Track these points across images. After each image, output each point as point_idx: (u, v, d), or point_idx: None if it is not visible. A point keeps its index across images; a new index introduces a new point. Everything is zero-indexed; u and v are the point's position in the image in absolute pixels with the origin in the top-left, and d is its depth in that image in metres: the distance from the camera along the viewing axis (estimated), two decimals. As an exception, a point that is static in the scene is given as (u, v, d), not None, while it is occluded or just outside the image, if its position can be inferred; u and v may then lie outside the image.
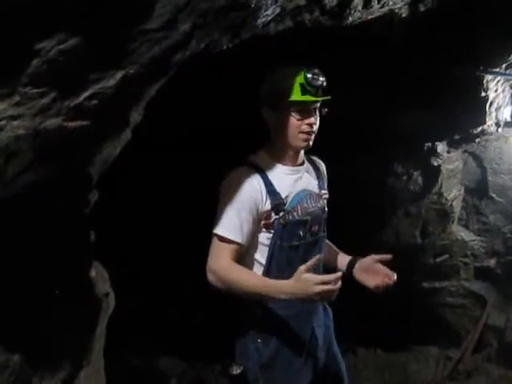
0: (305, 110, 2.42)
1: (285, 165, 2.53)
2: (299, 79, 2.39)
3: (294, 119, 2.42)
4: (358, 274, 2.63)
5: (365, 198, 4.54)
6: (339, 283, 2.26)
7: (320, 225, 2.60)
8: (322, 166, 2.76)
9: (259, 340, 2.51)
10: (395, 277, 2.49)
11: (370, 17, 2.84)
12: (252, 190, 2.42)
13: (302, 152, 2.59)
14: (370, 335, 5.05)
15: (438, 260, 5.41)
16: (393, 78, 4.13)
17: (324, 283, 2.23)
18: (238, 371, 2.52)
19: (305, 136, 2.44)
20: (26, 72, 1.57)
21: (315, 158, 2.74)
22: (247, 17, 1.97)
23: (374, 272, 2.57)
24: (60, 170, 1.94)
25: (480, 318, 5.38)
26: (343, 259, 2.75)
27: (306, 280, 2.24)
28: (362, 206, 4.81)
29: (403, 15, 3.04)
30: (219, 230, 2.43)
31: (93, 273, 2.57)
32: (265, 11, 2.00)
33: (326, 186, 2.71)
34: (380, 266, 2.57)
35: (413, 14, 3.08)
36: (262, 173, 2.46)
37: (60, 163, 1.92)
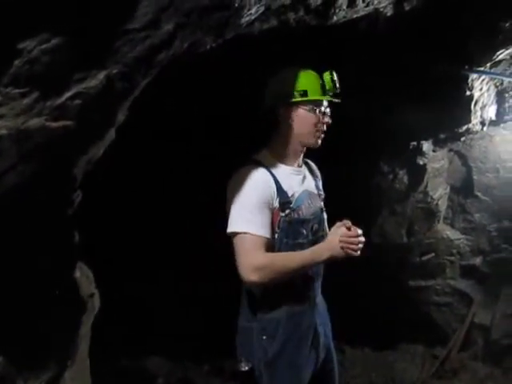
0: (321, 110, 2.52)
1: (288, 165, 2.57)
2: (321, 80, 2.51)
3: (313, 117, 2.51)
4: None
5: (350, 197, 4.56)
6: (360, 238, 2.41)
7: (320, 224, 2.64)
8: (316, 169, 2.82)
9: (264, 337, 2.53)
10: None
11: (354, 16, 2.86)
12: (266, 186, 2.44)
13: (302, 154, 2.64)
14: (357, 334, 5.06)
15: (423, 258, 5.43)
16: (379, 76, 4.15)
17: (347, 236, 2.39)
18: (247, 368, 2.54)
19: (319, 134, 2.54)
20: (8, 72, 1.56)
21: (309, 161, 2.79)
22: (231, 16, 1.97)
23: None
24: (43, 170, 1.93)
25: (466, 316, 5.40)
26: None
27: (334, 232, 2.43)
28: (347, 205, 4.82)
29: (388, 14, 3.06)
30: (249, 228, 2.40)
31: (77, 274, 2.56)
32: (248, 10, 2.00)
33: (321, 187, 2.77)
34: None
35: (398, 12, 3.09)
36: (270, 171, 2.49)
37: (43, 163, 1.90)
